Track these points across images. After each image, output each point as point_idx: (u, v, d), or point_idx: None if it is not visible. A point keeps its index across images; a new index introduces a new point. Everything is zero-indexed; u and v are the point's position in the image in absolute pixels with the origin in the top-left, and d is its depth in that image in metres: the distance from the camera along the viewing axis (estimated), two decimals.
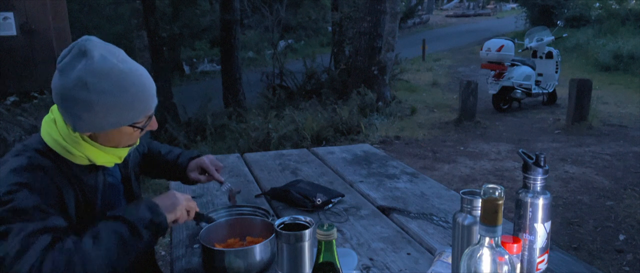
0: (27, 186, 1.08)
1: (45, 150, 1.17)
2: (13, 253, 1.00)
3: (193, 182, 1.63)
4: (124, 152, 1.28)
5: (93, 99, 1.10)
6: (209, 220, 1.37)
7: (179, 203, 1.22)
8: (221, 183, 1.60)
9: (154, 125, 1.26)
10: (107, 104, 1.12)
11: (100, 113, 1.12)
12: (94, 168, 1.24)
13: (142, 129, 1.22)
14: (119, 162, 1.29)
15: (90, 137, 1.19)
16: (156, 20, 10.32)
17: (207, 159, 1.60)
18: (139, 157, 1.55)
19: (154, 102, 1.22)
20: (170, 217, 1.20)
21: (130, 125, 1.19)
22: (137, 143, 1.31)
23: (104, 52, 1.13)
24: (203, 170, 1.60)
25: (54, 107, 1.21)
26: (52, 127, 1.18)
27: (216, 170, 1.59)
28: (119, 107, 1.14)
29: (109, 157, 1.24)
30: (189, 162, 1.61)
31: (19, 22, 4.00)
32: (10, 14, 3.98)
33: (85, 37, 1.14)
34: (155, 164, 1.63)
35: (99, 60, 1.10)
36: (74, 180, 1.18)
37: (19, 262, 0.99)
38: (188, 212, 1.26)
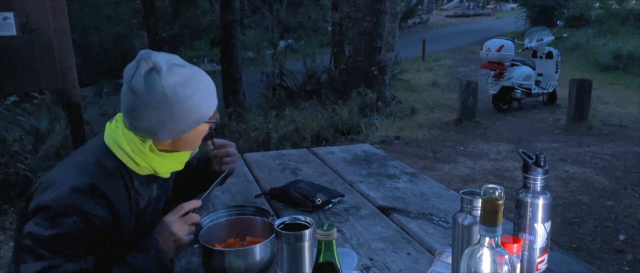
0: (81, 213, 1.10)
1: (110, 161, 1.20)
2: None
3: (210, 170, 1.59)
4: (185, 157, 1.31)
5: (175, 106, 1.16)
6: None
7: (182, 241, 1.20)
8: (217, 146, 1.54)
9: (216, 116, 1.31)
10: (186, 107, 1.18)
11: (182, 117, 1.19)
12: (152, 179, 1.28)
13: (215, 123, 1.28)
14: (180, 167, 1.32)
15: (171, 144, 1.24)
16: (156, 20, 10.33)
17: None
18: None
19: (215, 95, 1.29)
20: (173, 255, 1.22)
21: (207, 122, 1.26)
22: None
23: (168, 60, 1.19)
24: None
25: (119, 116, 1.25)
26: (120, 135, 1.21)
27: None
28: (196, 107, 1.20)
29: (171, 164, 1.28)
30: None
31: (19, 22, 3.99)
32: (10, 14, 3.98)
33: (144, 51, 1.19)
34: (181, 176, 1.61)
35: (168, 71, 1.17)
36: (133, 191, 1.23)
37: None
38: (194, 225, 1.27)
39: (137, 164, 1.21)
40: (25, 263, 1.06)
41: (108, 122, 1.26)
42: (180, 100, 1.17)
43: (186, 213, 1.23)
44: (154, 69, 1.16)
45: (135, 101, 1.16)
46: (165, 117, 1.17)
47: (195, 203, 1.27)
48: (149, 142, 1.21)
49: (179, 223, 1.21)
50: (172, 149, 1.26)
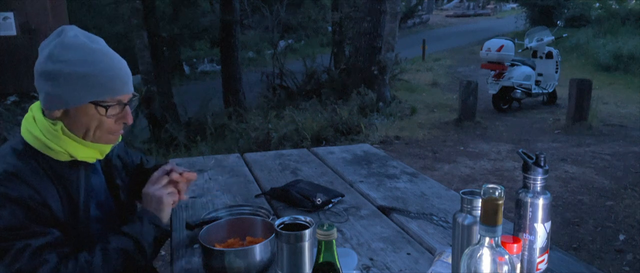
0: (8, 199, 1.09)
1: (25, 149, 1.18)
2: (27, 270, 1.06)
3: None
4: (105, 148, 1.28)
5: (56, 68, 1.14)
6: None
7: (163, 199, 1.29)
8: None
9: (127, 116, 1.25)
10: (71, 73, 1.14)
11: (64, 85, 1.14)
12: (75, 164, 1.23)
13: (106, 109, 1.19)
14: (101, 157, 1.29)
15: (63, 122, 1.19)
16: (156, 20, 10.31)
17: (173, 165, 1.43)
18: (132, 166, 1.52)
19: (123, 86, 1.21)
20: (167, 218, 1.29)
21: (95, 104, 1.18)
22: (119, 139, 1.32)
23: (79, 33, 1.19)
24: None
25: (34, 106, 1.24)
26: (32, 123, 1.20)
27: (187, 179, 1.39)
28: (83, 80, 1.15)
29: (89, 152, 1.23)
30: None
31: (19, 22, 3.99)
32: (10, 14, 3.98)
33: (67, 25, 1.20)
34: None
35: (70, 37, 1.17)
36: (55, 178, 1.19)
37: None
38: (177, 191, 1.33)
39: (51, 149, 1.18)
40: None
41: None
42: (66, 64, 1.14)
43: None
44: (59, 34, 1.17)
45: (35, 63, 1.18)
46: (48, 80, 1.15)
47: (163, 169, 1.34)
48: (60, 124, 1.18)
49: (154, 187, 1.30)
50: (68, 128, 1.20)
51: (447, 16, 28.97)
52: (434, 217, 1.58)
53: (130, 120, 1.26)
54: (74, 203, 1.21)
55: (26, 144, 1.19)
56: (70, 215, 1.20)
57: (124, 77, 1.22)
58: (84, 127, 1.20)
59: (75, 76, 1.14)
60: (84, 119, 1.19)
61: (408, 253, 1.34)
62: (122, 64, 1.22)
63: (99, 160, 1.32)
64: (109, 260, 1.16)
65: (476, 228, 1.02)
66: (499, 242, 0.86)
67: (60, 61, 1.14)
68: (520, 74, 7.44)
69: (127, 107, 1.25)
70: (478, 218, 1.00)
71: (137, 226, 1.23)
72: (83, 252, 1.14)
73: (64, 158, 1.20)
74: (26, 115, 1.22)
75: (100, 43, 1.20)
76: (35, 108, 1.22)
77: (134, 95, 1.26)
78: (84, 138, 1.22)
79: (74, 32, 1.18)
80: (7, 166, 1.13)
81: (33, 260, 1.07)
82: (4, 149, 1.20)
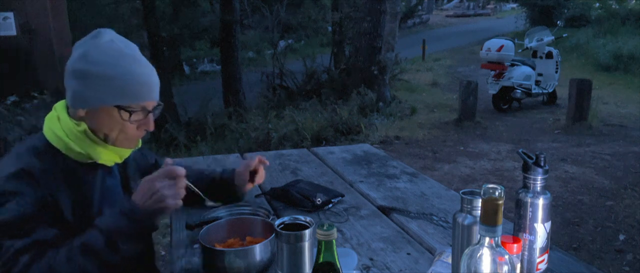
0: (16, 195, 1.10)
1: (44, 148, 1.19)
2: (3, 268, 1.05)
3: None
4: (125, 152, 1.29)
5: (87, 68, 1.17)
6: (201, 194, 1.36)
7: (164, 198, 1.12)
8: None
9: (149, 123, 1.26)
10: (100, 74, 1.16)
11: (92, 84, 1.17)
12: (93, 167, 1.25)
13: (130, 114, 1.20)
14: (119, 161, 1.30)
15: (85, 121, 1.20)
16: (156, 20, 10.32)
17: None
18: (147, 168, 1.50)
19: (149, 93, 1.23)
20: (158, 214, 1.15)
21: (120, 108, 1.19)
22: (139, 144, 1.32)
23: (115, 38, 1.21)
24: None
25: (58, 105, 1.25)
26: (56, 123, 1.21)
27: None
28: (110, 82, 1.17)
29: (109, 155, 1.25)
30: (234, 170, 1.61)
31: (19, 22, 3.99)
32: (10, 14, 3.98)
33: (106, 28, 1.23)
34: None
35: (106, 41, 1.19)
36: (72, 179, 1.20)
37: None
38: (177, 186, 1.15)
39: (72, 150, 1.19)
40: None
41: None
42: (97, 64, 1.16)
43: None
44: (96, 36, 1.20)
45: (68, 60, 1.20)
46: (77, 78, 1.17)
47: (181, 169, 1.16)
48: (84, 126, 1.19)
49: (163, 181, 1.13)
50: (90, 127, 1.20)
51: (447, 16, 28.95)
52: (434, 217, 1.58)
53: (151, 128, 1.26)
54: (87, 205, 1.22)
55: (46, 143, 1.20)
56: (81, 216, 1.20)
57: (151, 85, 1.23)
58: (106, 129, 1.22)
59: (104, 77, 1.17)
60: (107, 122, 1.21)
61: (408, 253, 1.34)
62: (151, 71, 1.24)
63: (117, 163, 1.32)
64: (73, 258, 1.07)
65: (476, 228, 1.02)
66: (499, 242, 0.86)
67: (92, 62, 1.17)
68: (520, 74, 7.44)
69: (151, 115, 1.25)
70: (478, 218, 1.00)
71: (108, 217, 1.13)
72: (50, 251, 1.09)
73: (83, 159, 1.22)
74: (50, 114, 1.24)
75: (134, 49, 1.22)
76: (59, 107, 1.24)
77: (158, 104, 1.27)
78: (105, 141, 1.23)
79: (110, 36, 1.20)
80: (23, 164, 1.14)
81: (10, 260, 1.07)
82: (23, 147, 1.21)
